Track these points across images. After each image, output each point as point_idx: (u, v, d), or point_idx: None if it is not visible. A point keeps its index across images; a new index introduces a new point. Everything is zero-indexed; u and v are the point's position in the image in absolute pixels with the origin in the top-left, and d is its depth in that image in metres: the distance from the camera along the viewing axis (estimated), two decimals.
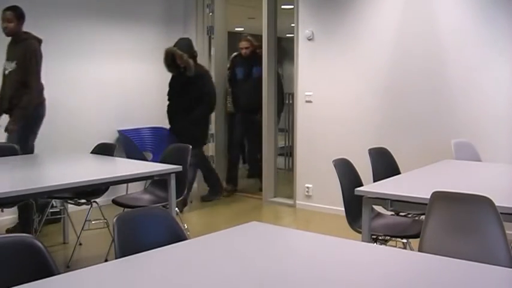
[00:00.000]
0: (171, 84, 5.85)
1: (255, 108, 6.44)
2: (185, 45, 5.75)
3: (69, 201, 4.38)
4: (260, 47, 6.39)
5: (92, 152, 4.52)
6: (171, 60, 5.64)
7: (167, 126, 6.35)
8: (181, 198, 4.07)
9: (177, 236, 2.13)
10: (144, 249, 1.91)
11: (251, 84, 6.49)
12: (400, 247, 3.32)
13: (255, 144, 6.64)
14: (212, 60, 6.94)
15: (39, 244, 1.76)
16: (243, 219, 4.66)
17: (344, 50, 5.58)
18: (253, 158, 7.04)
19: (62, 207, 4.79)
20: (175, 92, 5.80)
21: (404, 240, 3.44)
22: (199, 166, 6.08)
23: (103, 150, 4.47)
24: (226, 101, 7.10)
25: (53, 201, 4.67)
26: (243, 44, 6.63)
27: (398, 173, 3.78)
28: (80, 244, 4.51)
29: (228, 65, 6.98)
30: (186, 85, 5.71)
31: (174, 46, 5.68)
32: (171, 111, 5.87)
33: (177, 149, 4.33)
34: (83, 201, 4.27)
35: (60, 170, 3.80)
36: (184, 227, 4.12)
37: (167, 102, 5.87)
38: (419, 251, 2.39)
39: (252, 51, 6.59)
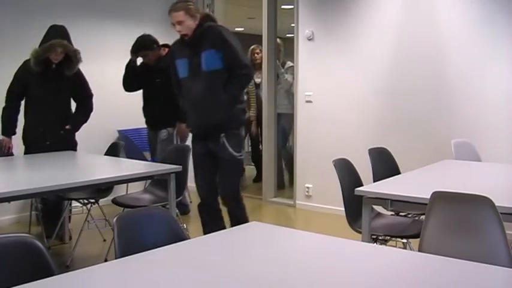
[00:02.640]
0: (37, 86, 4.47)
1: (214, 128, 3.85)
2: (65, 35, 4.48)
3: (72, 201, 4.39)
4: (206, 18, 3.86)
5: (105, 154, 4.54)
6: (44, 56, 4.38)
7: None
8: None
9: (177, 236, 2.13)
10: (144, 249, 1.91)
11: (201, 86, 3.77)
12: (400, 247, 3.32)
13: (225, 186, 4.01)
14: None
15: (39, 244, 1.76)
16: None
17: (344, 50, 5.57)
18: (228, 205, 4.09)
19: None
20: (48, 95, 4.51)
21: (404, 240, 3.44)
22: None
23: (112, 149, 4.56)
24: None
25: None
26: (174, 16, 3.81)
27: (398, 173, 3.78)
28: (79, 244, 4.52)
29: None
30: (63, 86, 4.56)
31: (58, 38, 4.38)
32: (47, 121, 4.52)
33: (176, 149, 4.33)
34: (85, 201, 4.28)
35: (60, 170, 3.79)
36: (184, 227, 4.12)
37: (31, 109, 4.56)
38: (419, 251, 2.39)
39: (198, 25, 3.77)
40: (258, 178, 7.01)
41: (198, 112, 3.86)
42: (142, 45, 5.13)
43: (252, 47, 6.90)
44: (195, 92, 3.79)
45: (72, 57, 4.48)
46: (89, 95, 4.76)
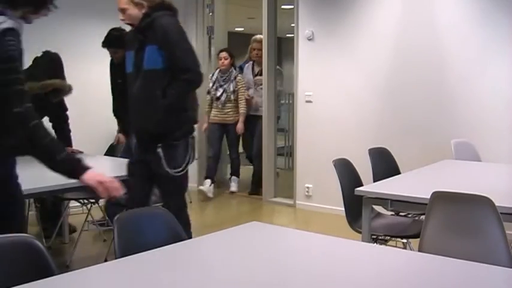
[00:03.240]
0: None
1: (150, 136, 3.28)
2: (59, 67, 4.49)
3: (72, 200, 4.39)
4: (158, 7, 3.24)
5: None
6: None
7: None
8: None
9: (177, 236, 2.13)
10: (144, 249, 1.91)
11: (139, 85, 3.25)
12: (400, 247, 3.32)
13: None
14: (212, 60, 6.94)
15: (39, 244, 1.76)
16: (243, 219, 4.66)
17: (344, 49, 5.57)
18: None
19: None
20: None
21: (404, 240, 3.44)
22: None
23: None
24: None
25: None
26: (118, 2, 3.37)
27: (399, 173, 3.78)
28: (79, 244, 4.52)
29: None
30: (47, 111, 4.42)
31: (53, 71, 4.38)
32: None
33: None
34: (85, 201, 4.28)
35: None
36: None
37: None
38: (419, 251, 2.39)
39: (146, 15, 3.22)
40: (255, 178, 6.98)
41: (133, 115, 3.37)
42: (114, 41, 4.69)
43: (251, 45, 6.82)
44: (134, 91, 3.28)
45: (64, 91, 4.41)
46: (66, 109, 4.67)
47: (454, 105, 4.92)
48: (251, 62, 6.71)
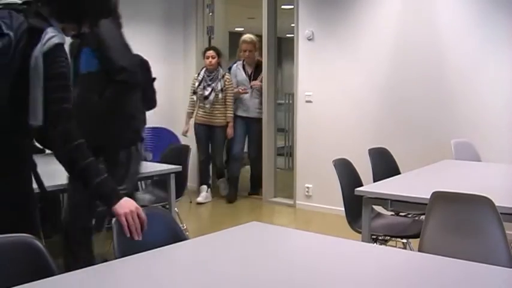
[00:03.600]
0: None
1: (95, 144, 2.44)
2: None
3: None
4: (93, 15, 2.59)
5: None
6: None
7: (167, 126, 6.32)
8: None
9: (177, 236, 2.13)
10: (144, 249, 1.91)
11: (77, 91, 2.84)
12: (400, 247, 3.32)
13: None
14: None
15: (39, 244, 1.76)
16: (243, 219, 4.68)
17: (344, 50, 5.57)
18: None
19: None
20: None
21: (404, 240, 3.44)
22: None
23: None
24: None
25: None
26: None
27: (399, 173, 3.78)
28: None
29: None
30: None
31: None
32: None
33: (176, 149, 4.34)
34: None
35: (58, 170, 3.79)
36: (183, 227, 4.12)
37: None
38: (419, 251, 2.39)
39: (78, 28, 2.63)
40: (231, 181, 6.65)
41: (81, 121, 3.05)
42: None
43: (239, 46, 6.53)
44: (77, 98, 2.97)
45: None
46: None
47: (454, 104, 4.92)
48: (241, 62, 6.50)
